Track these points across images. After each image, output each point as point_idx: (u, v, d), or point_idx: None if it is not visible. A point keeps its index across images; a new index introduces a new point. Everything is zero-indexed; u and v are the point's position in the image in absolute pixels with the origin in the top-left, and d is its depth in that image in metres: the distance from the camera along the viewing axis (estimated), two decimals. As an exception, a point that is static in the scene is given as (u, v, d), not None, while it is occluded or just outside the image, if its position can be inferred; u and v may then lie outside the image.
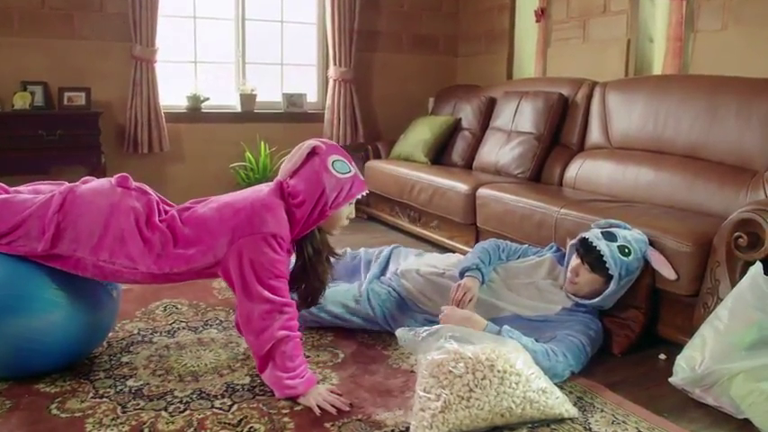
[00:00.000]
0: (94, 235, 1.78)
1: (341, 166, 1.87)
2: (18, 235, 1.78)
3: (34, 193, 1.92)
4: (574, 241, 2.28)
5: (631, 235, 2.21)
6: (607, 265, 2.12)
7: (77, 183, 1.92)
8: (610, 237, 2.18)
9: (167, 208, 1.93)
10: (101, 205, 1.81)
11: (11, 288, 1.77)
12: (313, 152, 1.87)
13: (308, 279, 1.93)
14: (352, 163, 1.92)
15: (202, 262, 1.80)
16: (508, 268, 2.33)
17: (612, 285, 2.14)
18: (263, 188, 1.90)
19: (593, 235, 2.19)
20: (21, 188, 1.96)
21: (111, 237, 1.78)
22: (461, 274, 2.23)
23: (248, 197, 1.87)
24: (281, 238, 1.78)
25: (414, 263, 2.43)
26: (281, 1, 4.65)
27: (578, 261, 2.20)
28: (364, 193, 1.94)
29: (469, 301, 2.14)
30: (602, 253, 2.13)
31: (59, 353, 1.87)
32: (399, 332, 1.86)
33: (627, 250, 2.14)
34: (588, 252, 2.17)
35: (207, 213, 1.84)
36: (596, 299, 2.17)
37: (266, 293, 1.75)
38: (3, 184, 1.95)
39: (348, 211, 1.94)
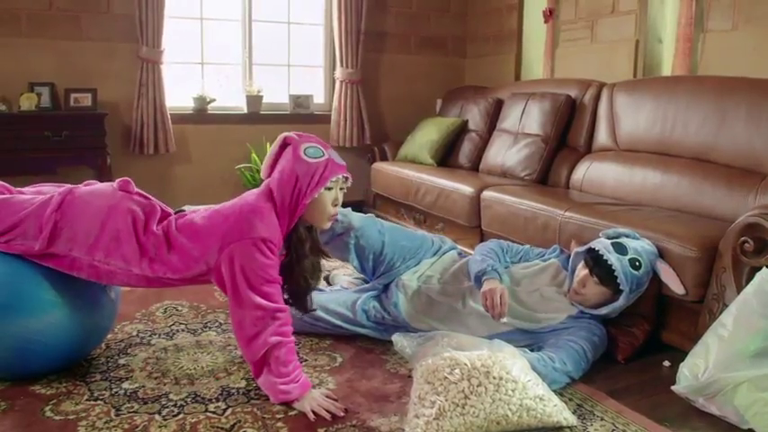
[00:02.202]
0: (91, 235, 1.78)
1: (313, 152, 1.81)
2: (16, 234, 1.79)
3: (36, 194, 1.93)
4: (580, 249, 2.21)
5: (641, 246, 2.14)
6: (618, 281, 2.06)
7: (79, 185, 1.93)
8: (620, 249, 2.09)
9: (168, 210, 1.92)
10: (99, 206, 1.81)
11: (9, 288, 1.78)
12: (285, 144, 1.85)
13: (294, 276, 1.89)
14: (329, 149, 1.86)
15: (195, 269, 1.79)
16: (512, 275, 2.26)
17: (622, 300, 2.08)
18: (254, 192, 1.88)
19: (604, 247, 2.10)
20: (24, 189, 1.97)
21: (107, 237, 1.78)
22: (477, 279, 2.15)
23: (237, 203, 1.85)
24: (270, 243, 1.75)
25: (413, 276, 2.32)
26: (288, 2, 4.64)
27: (586, 272, 2.12)
28: (342, 176, 1.85)
29: (501, 297, 2.03)
30: (613, 268, 2.05)
31: (57, 353, 1.87)
32: (395, 337, 1.84)
33: (638, 263, 2.07)
34: (597, 265, 2.09)
35: (199, 221, 1.82)
36: (603, 311, 2.11)
37: (258, 299, 1.72)
38: (7, 185, 1.96)
39: (332, 196, 1.85)
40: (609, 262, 2.06)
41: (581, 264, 2.17)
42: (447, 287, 2.27)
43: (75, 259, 1.79)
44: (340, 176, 1.84)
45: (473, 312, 2.17)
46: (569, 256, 2.29)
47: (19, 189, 1.96)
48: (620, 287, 2.07)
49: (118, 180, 1.92)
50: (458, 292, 2.24)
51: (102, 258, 1.78)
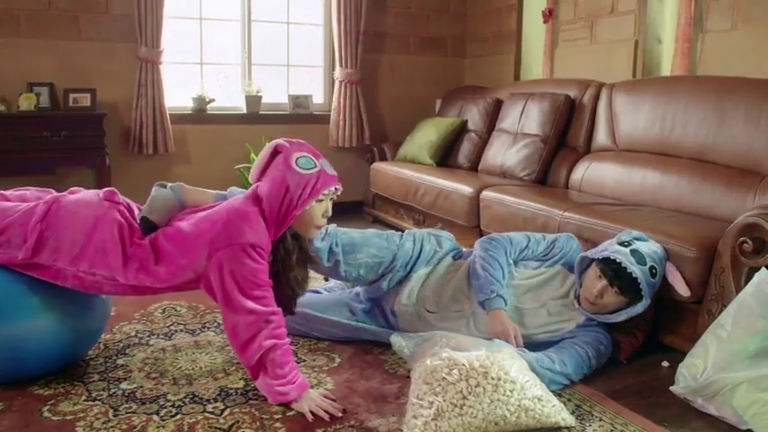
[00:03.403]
0: (76, 246, 1.76)
1: (305, 162, 1.78)
2: (0, 242, 1.76)
3: (20, 199, 1.91)
4: (590, 255, 2.13)
5: (654, 252, 2.09)
6: (642, 293, 2.01)
7: (64, 193, 1.90)
8: (640, 259, 2.03)
9: None
10: (86, 216, 1.79)
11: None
12: (276, 151, 1.82)
13: (280, 285, 1.85)
14: (321, 159, 1.84)
15: (183, 277, 1.77)
16: (516, 288, 2.17)
17: (639, 307, 2.04)
18: (240, 196, 1.86)
19: (626, 258, 2.02)
20: (7, 193, 1.94)
21: (92, 248, 1.76)
22: (481, 304, 2.09)
23: (224, 207, 1.82)
24: (259, 248, 1.73)
25: (408, 300, 2.22)
26: (288, 2, 4.64)
27: (605, 283, 2.03)
28: (334, 188, 1.83)
29: (516, 339, 1.98)
30: (638, 281, 2.00)
31: (49, 358, 1.86)
32: (393, 338, 1.84)
33: (654, 271, 2.04)
34: (618, 276, 2.02)
35: (186, 228, 1.80)
36: (621, 317, 2.06)
37: (250, 304, 1.71)
38: None
39: (322, 208, 1.83)
40: (634, 275, 2.00)
41: (595, 273, 2.07)
42: (448, 314, 2.18)
43: (60, 270, 1.77)
44: (332, 188, 1.82)
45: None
46: (580, 258, 2.19)
47: (1, 193, 1.93)
48: (642, 295, 2.02)
49: (104, 190, 1.90)
50: (460, 317, 2.17)
51: (87, 269, 1.76)
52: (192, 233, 1.77)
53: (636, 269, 2.00)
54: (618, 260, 2.02)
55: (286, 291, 1.88)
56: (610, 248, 2.08)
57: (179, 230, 1.80)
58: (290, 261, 1.85)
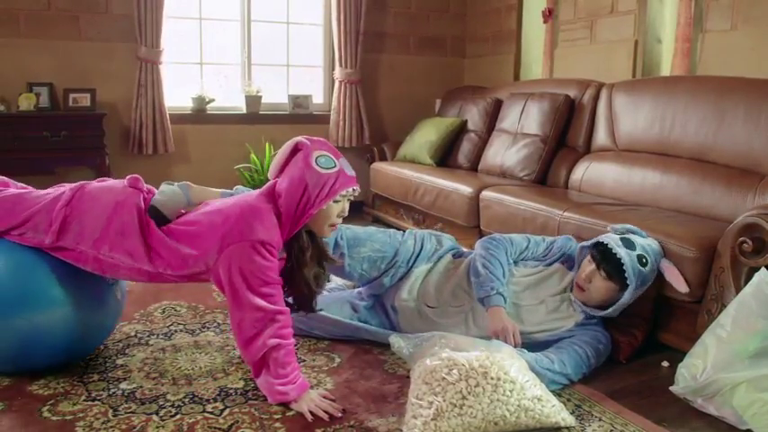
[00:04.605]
0: (97, 229, 1.80)
1: (325, 162, 1.78)
2: (28, 227, 1.83)
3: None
4: (587, 244, 2.17)
5: (648, 245, 2.12)
6: (626, 274, 2.02)
7: (92, 181, 1.96)
8: (629, 244, 2.06)
9: None
10: (107, 201, 1.84)
11: (17, 282, 1.81)
12: (296, 149, 1.82)
13: (295, 283, 1.87)
14: (341, 158, 1.83)
15: (194, 268, 1.78)
16: (516, 285, 2.19)
17: (626, 295, 2.05)
18: (255, 192, 1.88)
19: (613, 241, 2.06)
20: (45, 191, 1.99)
21: (113, 231, 1.80)
22: (481, 301, 2.11)
23: (238, 202, 1.83)
24: (269, 245, 1.73)
25: (409, 296, 2.24)
26: (287, 2, 4.64)
27: (593, 267, 2.07)
28: (352, 189, 1.83)
29: (514, 336, 1.99)
30: (622, 261, 2.02)
31: (61, 349, 1.89)
32: (393, 339, 1.84)
33: (644, 260, 2.05)
34: (605, 259, 2.06)
35: (199, 219, 1.82)
36: (608, 310, 2.07)
37: (258, 301, 1.71)
38: (28, 186, 2.00)
39: (338, 208, 1.83)
40: (618, 255, 2.02)
41: (587, 259, 2.13)
42: (447, 309, 2.20)
43: (82, 252, 1.81)
44: (349, 189, 1.82)
45: (478, 337, 2.05)
46: (580, 248, 2.22)
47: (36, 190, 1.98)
48: (628, 282, 2.03)
49: (128, 177, 1.94)
50: (460, 313, 2.18)
51: (107, 252, 1.80)
52: (205, 225, 1.80)
53: (622, 251, 2.03)
54: (605, 242, 2.07)
55: (302, 288, 1.88)
56: (603, 234, 2.15)
57: (193, 221, 1.83)
58: (304, 258, 1.85)
